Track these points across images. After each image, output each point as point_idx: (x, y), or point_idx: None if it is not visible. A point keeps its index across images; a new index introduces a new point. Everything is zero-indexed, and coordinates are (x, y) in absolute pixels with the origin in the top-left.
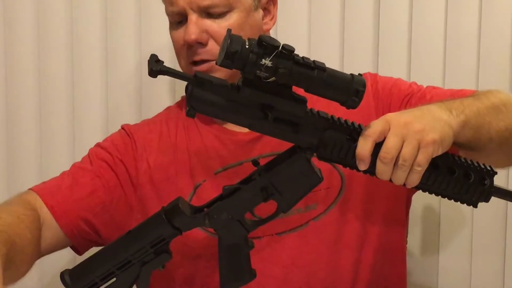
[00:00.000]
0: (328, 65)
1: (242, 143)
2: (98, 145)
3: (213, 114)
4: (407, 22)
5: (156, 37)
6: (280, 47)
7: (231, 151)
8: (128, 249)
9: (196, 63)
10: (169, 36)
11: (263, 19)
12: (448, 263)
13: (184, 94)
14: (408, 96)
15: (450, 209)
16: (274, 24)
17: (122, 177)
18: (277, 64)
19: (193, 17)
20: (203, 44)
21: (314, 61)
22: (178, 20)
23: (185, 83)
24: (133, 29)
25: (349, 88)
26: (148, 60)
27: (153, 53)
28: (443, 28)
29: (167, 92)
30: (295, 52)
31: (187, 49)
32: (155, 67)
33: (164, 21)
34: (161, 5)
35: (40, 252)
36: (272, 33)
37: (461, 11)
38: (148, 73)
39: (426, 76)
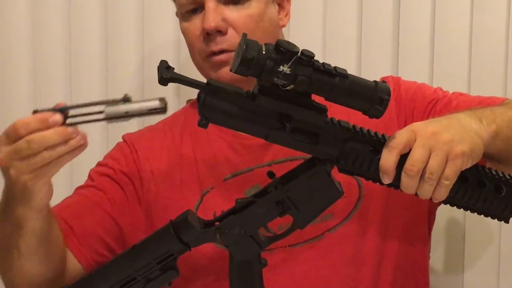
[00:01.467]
0: (344, 67)
1: (253, 149)
2: (98, 164)
3: (227, 124)
4: (430, 21)
5: (159, 35)
6: (299, 53)
7: (241, 157)
8: (132, 264)
9: (214, 54)
10: (173, 33)
11: (278, 14)
12: (473, 281)
13: (190, 98)
14: (433, 103)
15: (475, 223)
16: (288, 20)
17: (127, 187)
18: (296, 71)
19: (211, 4)
20: (222, 33)
21: (335, 67)
22: (192, 8)
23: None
24: (134, 26)
25: (372, 97)
26: (158, 67)
27: (162, 59)
28: (468, 28)
29: (171, 96)
30: (315, 58)
31: (204, 40)
32: (166, 75)
33: (167, 18)
34: (164, 0)
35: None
36: (284, 32)
37: (488, 9)
38: (158, 81)
39: (449, 80)
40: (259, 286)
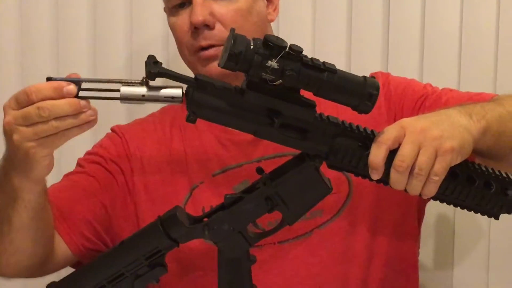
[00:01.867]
0: (334, 63)
1: (243, 144)
2: (86, 153)
3: (215, 119)
4: (420, 17)
5: (148, 30)
6: (288, 48)
7: (231, 152)
8: (120, 261)
9: (203, 48)
10: (161, 29)
11: (266, 9)
12: (463, 277)
13: None
14: (422, 98)
15: (465, 219)
16: (277, 15)
17: (118, 177)
18: (284, 66)
19: None
20: (210, 28)
21: (324, 62)
22: (179, 2)
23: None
24: (123, 22)
25: (361, 92)
26: (146, 62)
27: (150, 54)
28: (458, 24)
29: None
30: (303, 53)
31: (192, 35)
32: (153, 69)
33: (156, 13)
34: None
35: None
36: (273, 27)
37: (478, 5)
38: (146, 75)
39: (439, 76)
40: (248, 283)
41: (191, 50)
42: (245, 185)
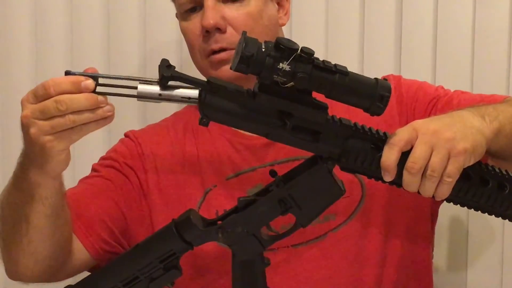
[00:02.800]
0: (346, 66)
1: (255, 148)
2: (101, 158)
3: (227, 122)
4: (432, 19)
5: (161, 35)
6: (299, 50)
7: (243, 156)
8: (135, 264)
9: (214, 52)
10: (175, 33)
11: (277, 13)
12: (477, 279)
13: None
14: (434, 101)
15: (478, 221)
16: (288, 19)
17: (133, 179)
18: (296, 69)
19: (210, 2)
20: (221, 31)
21: (335, 64)
22: (190, 7)
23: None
24: (136, 26)
25: (373, 94)
26: (159, 66)
27: (164, 58)
28: (471, 26)
29: None
30: (315, 55)
31: (204, 39)
32: (166, 73)
33: (169, 18)
34: (166, 0)
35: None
36: (286, 31)
37: (491, 7)
38: (159, 79)
39: (452, 78)
40: (262, 286)
41: (202, 54)
42: (259, 189)
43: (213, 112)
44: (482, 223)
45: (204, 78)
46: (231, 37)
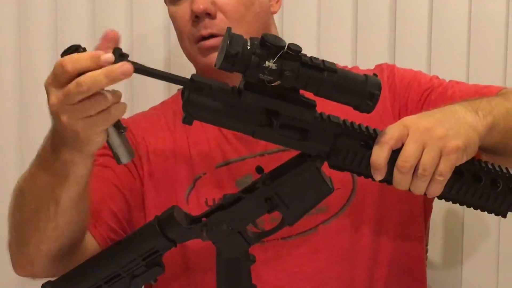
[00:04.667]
0: (339, 57)
1: (245, 138)
2: None
3: (212, 121)
4: (427, 7)
5: (149, 21)
6: (286, 48)
7: (233, 146)
8: (117, 261)
9: (204, 38)
10: (162, 19)
11: (269, 1)
12: (472, 275)
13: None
14: (428, 91)
15: (474, 216)
16: (279, 7)
17: (131, 168)
18: (282, 67)
19: None
20: (211, 16)
21: (323, 61)
22: None
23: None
24: (123, 12)
25: (362, 91)
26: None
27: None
28: (466, 15)
29: (161, 85)
30: (303, 52)
31: (193, 25)
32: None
33: (157, 3)
34: None
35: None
36: (277, 20)
37: None
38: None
39: (448, 68)
40: (247, 283)
41: (191, 40)
42: (248, 179)
43: (197, 111)
44: (477, 218)
45: (192, 66)
46: (221, 23)
